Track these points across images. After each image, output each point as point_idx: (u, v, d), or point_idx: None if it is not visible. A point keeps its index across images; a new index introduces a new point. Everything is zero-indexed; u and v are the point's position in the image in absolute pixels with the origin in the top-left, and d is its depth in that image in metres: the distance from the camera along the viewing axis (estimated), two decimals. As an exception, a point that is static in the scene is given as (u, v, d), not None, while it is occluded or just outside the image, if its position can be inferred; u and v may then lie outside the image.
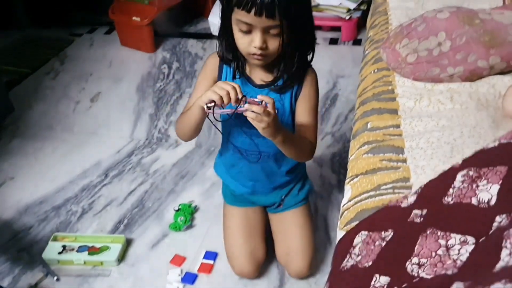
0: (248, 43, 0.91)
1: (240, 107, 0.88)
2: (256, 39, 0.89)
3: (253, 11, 0.85)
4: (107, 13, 2.58)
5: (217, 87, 0.90)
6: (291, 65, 0.99)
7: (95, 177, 1.76)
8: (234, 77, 1.05)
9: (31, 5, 2.94)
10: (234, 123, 1.09)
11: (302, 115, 1.06)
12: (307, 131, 1.07)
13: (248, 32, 0.90)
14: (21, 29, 2.93)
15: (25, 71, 2.50)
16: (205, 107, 0.91)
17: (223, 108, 0.93)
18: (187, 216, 1.51)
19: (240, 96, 0.89)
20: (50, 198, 1.68)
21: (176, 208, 1.55)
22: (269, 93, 1.04)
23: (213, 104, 0.90)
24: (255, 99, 0.88)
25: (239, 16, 0.88)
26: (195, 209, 1.58)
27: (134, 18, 2.48)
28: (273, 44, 0.91)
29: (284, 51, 0.94)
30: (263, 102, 0.88)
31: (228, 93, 0.89)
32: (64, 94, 2.29)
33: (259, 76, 1.04)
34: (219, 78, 1.07)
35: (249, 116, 0.87)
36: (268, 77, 1.04)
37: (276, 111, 0.91)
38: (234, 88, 0.89)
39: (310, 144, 1.08)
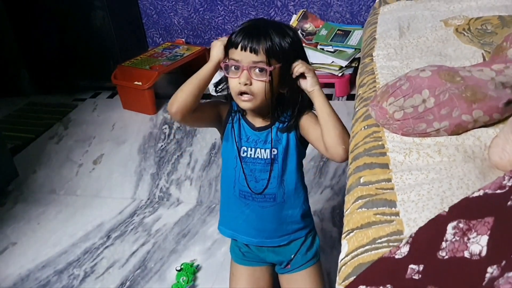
0: (236, 82, 1.04)
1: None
2: (242, 76, 1.02)
3: (239, 46, 1.01)
4: (110, 78, 2.70)
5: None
6: (292, 106, 1.10)
7: (97, 239, 1.77)
8: (233, 120, 1.15)
9: (36, 73, 3.07)
10: (245, 167, 1.14)
11: (314, 124, 1.15)
12: None
13: (237, 69, 1.03)
14: (26, 96, 3.04)
15: (30, 136, 2.57)
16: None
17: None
18: (190, 276, 1.51)
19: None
20: (53, 262, 1.69)
21: (178, 268, 1.56)
22: (268, 135, 1.12)
23: None
24: None
25: (231, 54, 1.04)
26: (197, 268, 1.58)
27: (136, 82, 2.59)
28: (258, 83, 1.02)
29: (272, 95, 1.05)
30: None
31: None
32: (67, 158, 2.35)
33: (259, 120, 1.14)
34: (226, 118, 1.16)
35: (300, 66, 1.04)
36: (267, 121, 1.14)
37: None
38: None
39: None
